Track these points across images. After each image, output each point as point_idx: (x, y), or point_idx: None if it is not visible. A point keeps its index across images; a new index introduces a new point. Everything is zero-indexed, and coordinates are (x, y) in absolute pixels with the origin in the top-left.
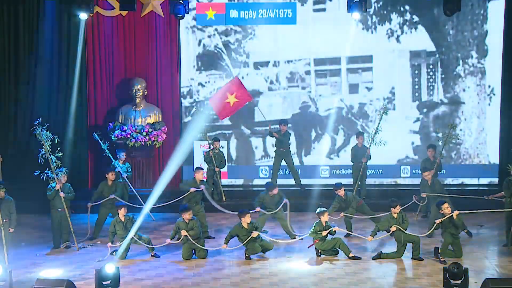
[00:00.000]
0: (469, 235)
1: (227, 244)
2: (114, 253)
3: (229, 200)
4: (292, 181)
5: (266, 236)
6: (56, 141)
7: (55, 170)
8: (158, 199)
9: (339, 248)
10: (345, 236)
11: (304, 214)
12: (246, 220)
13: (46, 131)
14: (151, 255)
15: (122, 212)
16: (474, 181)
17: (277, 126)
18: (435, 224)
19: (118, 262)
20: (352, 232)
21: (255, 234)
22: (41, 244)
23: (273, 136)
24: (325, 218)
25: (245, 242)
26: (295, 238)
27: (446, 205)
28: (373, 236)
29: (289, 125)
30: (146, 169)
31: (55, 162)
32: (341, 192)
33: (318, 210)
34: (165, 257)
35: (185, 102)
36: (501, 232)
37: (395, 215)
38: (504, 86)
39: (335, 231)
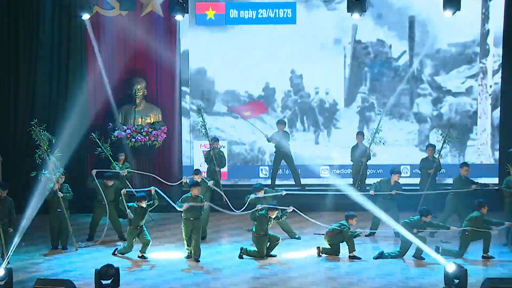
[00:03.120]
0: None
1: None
2: (116, 250)
3: (229, 200)
4: (291, 181)
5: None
6: (54, 141)
7: (53, 171)
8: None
9: (347, 243)
10: (366, 235)
11: (304, 214)
12: (272, 214)
13: (44, 131)
14: (138, 256)
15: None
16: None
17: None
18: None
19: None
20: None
21: (291, 208)
22: (41, 244)
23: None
24: (352, 221)
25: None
26: (299, 238)
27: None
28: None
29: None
30: (146, 169)
31: (54, 162)
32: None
33: (347, 213)
34: (165, 256)
35: (185, 102)
36: (500, 232)
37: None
38: (505, 86)
39: (360, 235)
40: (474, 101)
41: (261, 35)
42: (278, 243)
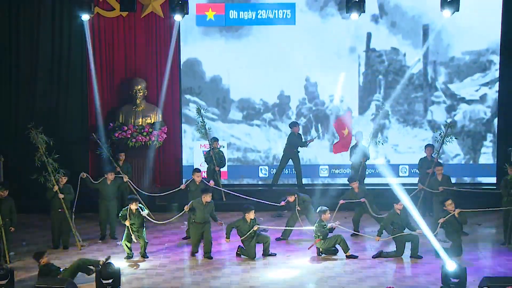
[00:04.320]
0: (464, 234)
1: (228, 238)
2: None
3: (229, 199)
4: (291, 181)
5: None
6: (52, 144)
7: (53, 172)
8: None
9: (339, 244)
10: (351, 236)
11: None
12: (250, 216)
13: (41, 133)
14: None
15: (133, 206)
16: (472, 180)
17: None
18: (439, 224)
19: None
20: (358, 231)
21: (256, 227)
22: (42, 243)
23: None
24: (326, 216)
25: (244, 236)
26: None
27: (450, 201)
28: (379, 236)
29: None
30: (147, 170)
31: (51, 164)
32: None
33: (319, 209)
34: (166, 256)
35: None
36: (499, 231)
37: (398, 212)
38: (502, 93)
39: (334, 228)
40: (488, 108)
41: (274, 43)
42: (268, 243)
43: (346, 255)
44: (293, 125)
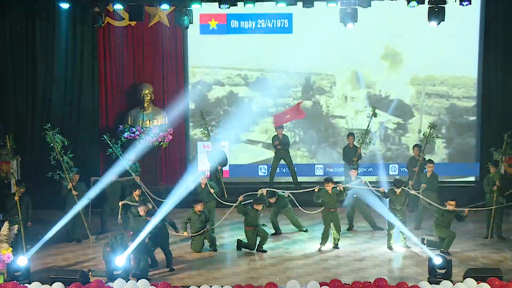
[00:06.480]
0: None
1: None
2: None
3: (230, 196)
4: (288, 179)
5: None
6: (66, 143)
7: (67, 171)
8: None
9: (334, 229)
10: (347, 230)
11: (300, 210)
12: (258, 207)
13: (57, 134)
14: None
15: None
16: (457, 178)
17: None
18: (466, 212)
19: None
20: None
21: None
22: (57, 237)
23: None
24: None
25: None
26: (306, 231)
27: (454, 202)
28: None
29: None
30: (154, 168)
31: (67, 163)
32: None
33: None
34: (171, 248)
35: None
36: (482, 225)
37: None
38: (484, 90)
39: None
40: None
41: (278, 63)
42: (266, 239)
43: (333, 245)
44: (277, 128)
